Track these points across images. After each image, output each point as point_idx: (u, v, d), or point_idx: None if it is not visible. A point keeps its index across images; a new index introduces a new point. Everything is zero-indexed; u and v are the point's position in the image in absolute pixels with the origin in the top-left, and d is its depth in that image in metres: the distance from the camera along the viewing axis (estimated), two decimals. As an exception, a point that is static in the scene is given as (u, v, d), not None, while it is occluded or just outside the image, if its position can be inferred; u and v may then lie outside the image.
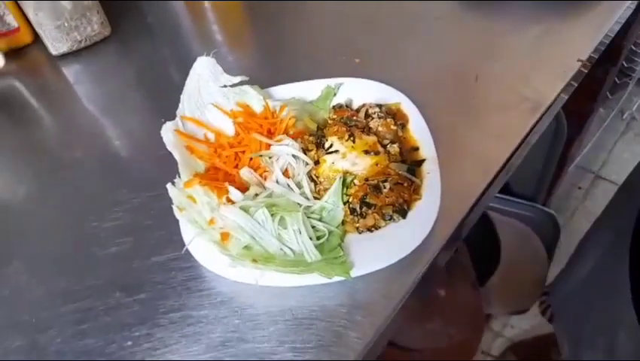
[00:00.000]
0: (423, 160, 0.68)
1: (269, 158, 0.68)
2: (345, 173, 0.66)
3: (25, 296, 0.64)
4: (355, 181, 0.66)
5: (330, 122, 0.74)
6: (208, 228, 0.62)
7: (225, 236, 0.62)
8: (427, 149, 0.70)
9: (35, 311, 0.62)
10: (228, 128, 0.75)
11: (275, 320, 0.58)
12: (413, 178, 0.65)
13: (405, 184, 0.64)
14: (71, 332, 0.60)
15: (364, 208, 0.63)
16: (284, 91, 0.80)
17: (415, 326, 1.45)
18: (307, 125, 0.74)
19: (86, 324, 0.60)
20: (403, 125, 0.72)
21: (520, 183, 1.63)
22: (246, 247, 0.61)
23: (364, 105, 0.76)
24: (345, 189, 0.65)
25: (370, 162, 0.66)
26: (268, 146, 0.70)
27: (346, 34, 0.97)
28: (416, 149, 0.70)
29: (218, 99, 0.76)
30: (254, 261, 0.59)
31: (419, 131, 0.72)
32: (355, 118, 0.73)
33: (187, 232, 0.63)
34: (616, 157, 2.56)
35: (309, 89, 0.80)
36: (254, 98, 0.76)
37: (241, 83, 0.76)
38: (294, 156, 0.67)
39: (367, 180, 0.65)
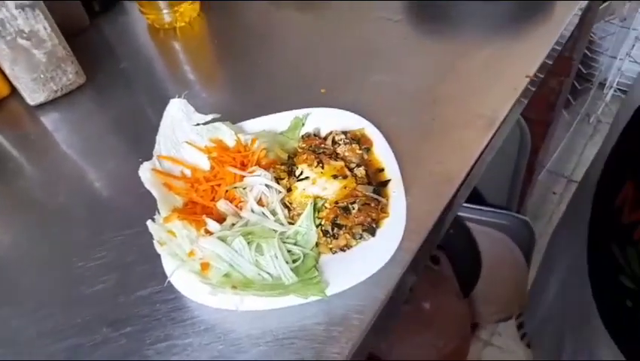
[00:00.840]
0: (388, 180, 0.73)
1: (244, 189, 0.72)
2: (316, 198, 0.70)
3: (16, 339, 0.66)
4: (326, 205, 0.70)
5: (299, 150, 0.78)
6: (188, 259, 0.66)
7: (205, 266, 0.65)
8: (391, 169, 0.75)
9: (26, 353, 0.64)
10: (203, 163, 0.79)
11: (257, 343, 0.61)
12: (379, 198, 0.70)
13: (372, 204, 0.69)
14: (61, 370, 0.62)
15: (336, 229, 0.67)
16: (255, 124, 0.85)
17: (404, 340, 1.48)
18: (278, 155, 0.79)
19: (75, 361, 0.63)
20: (368, 149, 0.77)
21: (493, 193, 1.70)
22: (226, 275, 0.64)
23: (330, 133, 0.80)
24: (316, 212, 0.69)
25: (338, 186, 0.71)
26: (242, 178, 0.74)
27: (311, 66, 1.03)
28: (381, 170, 0.75)
29: (192, 137, 0.80)
30: (234, 287, 0.62)
31: (383, 153, 0.77)
32: (322, 146, 0.78)
33: (169, 264, 0.66)
34: (586, 160, 2.66)
35: (278, 121, 0.85)
36: (226, 134, 0.81)
37: (213, 121, 0.81)
38: (267, 185, 0.71)
39: (336, 202, 0.70)
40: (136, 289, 0.69)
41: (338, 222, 0.67)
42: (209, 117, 0.80)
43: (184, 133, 0.80)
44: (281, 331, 0.62)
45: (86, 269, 0.72)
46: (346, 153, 0.76)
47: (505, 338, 1.94)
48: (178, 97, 0.80)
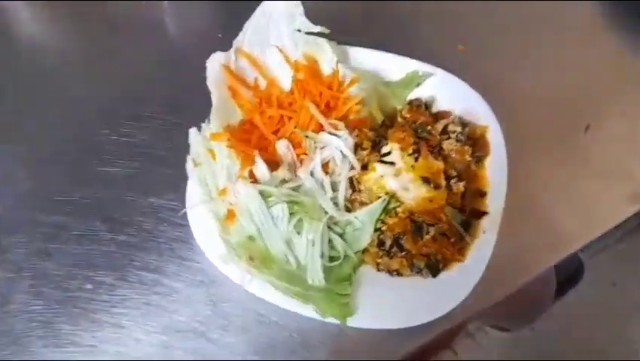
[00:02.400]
0: (484, 213, 0.56)
1: (314, 142, 0.57)
2: (392, 196, 0.55)
3: (6, 187, 0.58)
4: (399, 210, 0.55)
5: (399, 120, 0.61)
6: (216, 197, 0.54)
7: (231, 215, 0.53)
8: (495, 199, 0.57)
9: (9, 208, 0.56)
10: (285, 80, 0.63)
11: (248, 329, 0.52)
12: (465, 235, 0.54)
13: (452, 239, 0.53)
14: (37, 247, 0.54)
15: (395, 248, 0.53)
16: (364, 56, 0.66)
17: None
18: (372, 114, 0.62)
19: (54, 244, 0.54)
20: (480, 160, 0.59)
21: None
22: (249, 238, 0.52)
23: (445, 116, 0.62)
24: (383, 213, 0.55)
25: (424, 195, 0.55)
26: (319, 126, 0.58)
27: (460, 16, 0.79)
28: (483, 194, 0.58)
29: (286, 42, 0.63)
30: (250, 259, 0.51)
31: (495, 172, 0.59)
32: (429, 128, 0.60)
33: (193, 193, 0.54)
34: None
35: (392, 65, 0.66)
36: (325, 55, 0.63)
37: (318, 34, 0.62)
38: (342, 152, 0.56)
39: (412, 213, 0.54)
40: (150, 193, 0.59)
41: (402, 242, 0.53)
42: (316, 29, 0.62)
43: (278, 35, 0.63)
44: (279, 330, 0.52)
45: (108, 142, 0.61)
46: (453, 154, 0.58)
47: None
48: (291, -15, 0.61)
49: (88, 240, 0.55)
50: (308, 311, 0.49)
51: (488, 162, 0.60)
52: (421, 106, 0.63)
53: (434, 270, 0.52)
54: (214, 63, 0.59)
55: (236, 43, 0.62)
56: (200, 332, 0.50)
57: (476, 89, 0.63)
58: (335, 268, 0.53)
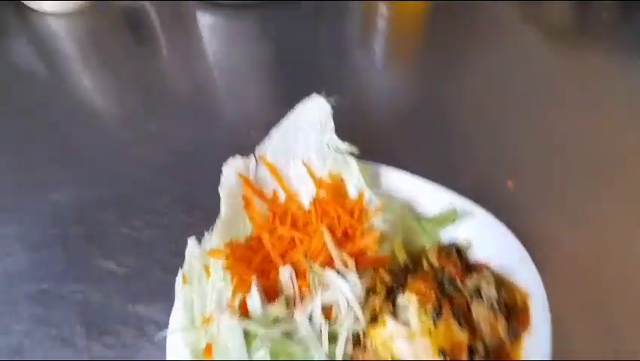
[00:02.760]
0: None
1: (318, 279, 0.50)
2: (397, 361, 0.46)
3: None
4: (403, 380, 0.46)
5: (424, 265, 0.53)
6: (198, 326, 0.48)
7: (209, 350, 0.46)
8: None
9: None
10: (306, 197, 0.58)
11: None
12: None
13: None
14: (9, 341, 0.50)
15: None
16: (397, 181, 0.60)
17: None
18: (394, 253, 0.54)
19: (29, 338, 0.50)
20: (517, 335, 0.49)
21: None
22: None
23: (479, 269, 0.53)
24: (382, 383, 0.46)
25: (436, 371, 0.45)
26: (330, 258, 0.51)
27: (513, 149, 0.71)
28: (513, 380, 0.48)
29: (312, 156, 0.59)
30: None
31: (534, 355, 0.49)
32: (457, 282, 0.51)
33: (176, 315, 0.49)
34: None
35: (428, 196, 0.59)
36: (352, 177, 0.57)
37: (348, 153, 0.57)
38: (347, 299, 0.49)
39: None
40: (138, 300, 0.54)
41: None
42: (345, 146, 0.57)
43: (306, 146, 0.59)
44: None
45: (114, 232, 0.58)
46: (482, 323, 0.49)
47: None
48: (326, 97, 0.57)
49: (64, 343, 0.50)
50: None
51: (524, 342, 0.50)
52: (452, 252, 0.54)
53: None
54: (231, 169, 0.55)
55: (258, 150, 0.58)
56: None
57: (522, 239, 0.54)
58: None
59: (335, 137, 0.57)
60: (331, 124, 0.57)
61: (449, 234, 0.57)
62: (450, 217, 0.57)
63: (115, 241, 0.58)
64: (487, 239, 0.56)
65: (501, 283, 0.52)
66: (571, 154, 0.70)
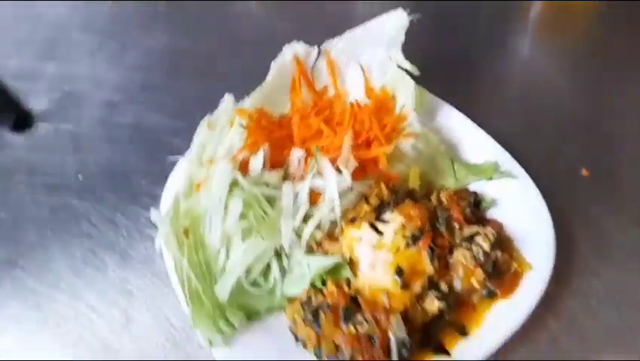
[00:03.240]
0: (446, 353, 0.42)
1: (318, 165, 0.50)
2: (354, 264, 0.45)
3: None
4: (352, 279, 0.45)
5: (432, 200, 0.50)
6: (203, 165, 0.52)
7: (198, 186, 0.50)
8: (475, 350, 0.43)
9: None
10: (353, 100, 0.58)
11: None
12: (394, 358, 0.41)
13: (378, 349, 0.41)
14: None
15: (311, 317, 0.43)
16: (452, 119, 0.57)
17: None
18: (409, 177, 0.52)
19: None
20: (492, 296, 0.45)
21: None
22: (198, 216, 0.49)
23: (492, 226, 0.48)
24: (329, 276, 0.46)
25: (384, 285, 0.44)
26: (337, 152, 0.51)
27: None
28: (464, 334, 0.44)
29: (374, 66, 0.58)
30: (185, 234, 0.47)
31: (499, 323, 0.44)
32: (455, 226, 0.48)
33: (190, 150, 0.53)
34: None
35: (477, 143, 0.55)
36: (404, 97, 0.55)
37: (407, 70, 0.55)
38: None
39: (356, 294, 0.44)
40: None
41: (321, 314, 0.43)
42: (407, 65, 0.55)
43: (372, 54, 0.58)
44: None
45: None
46: (459, 268, 0.45)
47: None
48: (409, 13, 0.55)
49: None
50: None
51: (498, 307, 0.45)
52: (467, 200, 0.50)
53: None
54: (292, 50, 0.57)
55: (326, 44, 0.59)
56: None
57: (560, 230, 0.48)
58: (249, 296, 0.46)
59: (400, 52, 0.55)
60: (401, 38, 0.55)
61: (481, 187, 0.53)
62: (488, 171, 0.53)
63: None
64: (516, 204, 0.51)
65: (504, 246, 0.47)
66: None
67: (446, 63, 0.66)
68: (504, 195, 0.52)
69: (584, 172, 0.58)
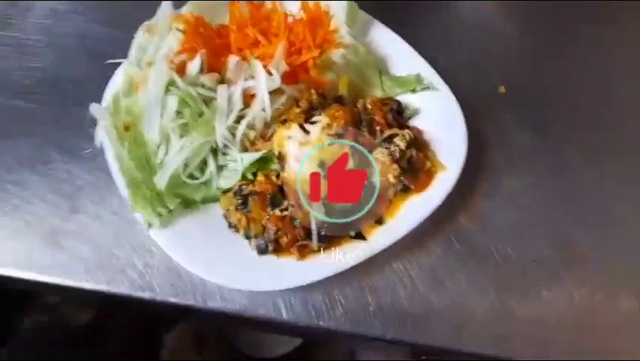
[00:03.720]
0: (362, 238, 0.48)
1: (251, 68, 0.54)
2: (283, 159, 0.50)
3: None
4: (280, 173, 0.50)
5: (358, 106, 0.55)
6: (142, 68, 0.54)
7: (136, 87, 0.53)
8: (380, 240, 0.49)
9: None
10: (290, 12, 0.60)
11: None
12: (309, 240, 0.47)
13: (297, 226, 0.47)
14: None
15: (241, 203, 0.48)
16: (382, 35, 0.61)
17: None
18: (338, 85, 0.56)
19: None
20: (406, 191, 0.51)
21: None
22: (137, 113, 0.52)
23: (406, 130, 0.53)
24: (258, 168, 0.51)
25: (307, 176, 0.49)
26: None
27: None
28: (380, 221, 0.50)
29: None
30: (125, 128, 0.51)
31: (410, 213, 0.50)
32: (376, 129, 0.53)
33: (130, 53, 0.55)
34: None
35: (404, 58, 0.59)
36: (337, 11, 0.58)
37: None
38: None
39: (281, 184, 0.49)
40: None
41: (250, 200, 0.48)
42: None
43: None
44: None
45: None
46: (377, 164, 0.50)
47: None
48: None
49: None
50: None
51: (412, 201, 0.51)
52: (389, 106, 0.55)
53: (261, 247, 0.47)
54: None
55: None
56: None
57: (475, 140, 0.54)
58: (186, 187, 0.50)
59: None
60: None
61: (407, 98, 0.57)
62: (412, 83, 0.57)
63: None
64: (436, 114, 0.56)
65: (420, 147, 0.53)
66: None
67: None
68: (426, 106, 0.57)
69: (502, 89, 0.63)
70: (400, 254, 0.51)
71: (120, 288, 0.49)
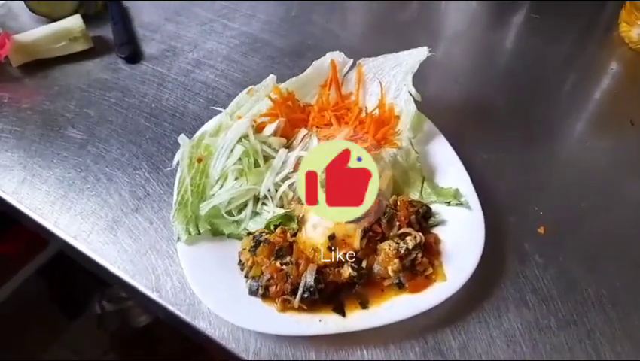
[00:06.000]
0: (340, 307, 0.52)
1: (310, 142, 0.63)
2: (303, 222, 0.57)
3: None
4: (298, 233, 0.57)
5: (390, 201, 0.60)
6: (233, 115, 0.67)
7: (219, 129, 0.66)
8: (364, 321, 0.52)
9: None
10: (369, 106, 0.69)
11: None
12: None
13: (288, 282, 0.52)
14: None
15: (254, 248, 0.56)
16: (437, 145, 0.67)
17: None
18: (381, 179, 0.62)
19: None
20: (401, 287, 0.54)
21: None
22: (211, 151, 0.63)
23: (428, 239, 0.57)
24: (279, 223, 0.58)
25: (315, 241, 0.55)
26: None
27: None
28: (365, 306, 0.53)
29: (392, 87, 0.69)
30: (198, 160, 0.63)
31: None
32: (394, 224, 0.57)
33: (230, 106, 0.69)
34: None
35: (451, 171, 0.64)
36: (406, 117, 0.66)
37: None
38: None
39: (292, 244, 0.55)
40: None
41: (259, 248, 0.55)
42: (412, 90, 0.65)
43: (394, 77, 0.69)
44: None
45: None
46: (381, 253, 0.55)
47: None
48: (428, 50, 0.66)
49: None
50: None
51: (401, 298, 0.54)
52: (416, 208, 0.58)
53: (253, 288, 0.53)
54: (331, 56, 0.71)
55: (361, 60, 0.71)
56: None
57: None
58: (220, 220, 0.59)
59: (410, 79, 0.66)
60: (415, 69, 0.66)
61: (440, 207, 0.61)
62: (449, 196, 0.61)
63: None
64: (461, 232, 0.59)
65: (429, 254, 0.56)
66: None
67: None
68: (454, 219, 0.60)
69: (542, 230, 0.63)
70: (371, 343, 0.53)
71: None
